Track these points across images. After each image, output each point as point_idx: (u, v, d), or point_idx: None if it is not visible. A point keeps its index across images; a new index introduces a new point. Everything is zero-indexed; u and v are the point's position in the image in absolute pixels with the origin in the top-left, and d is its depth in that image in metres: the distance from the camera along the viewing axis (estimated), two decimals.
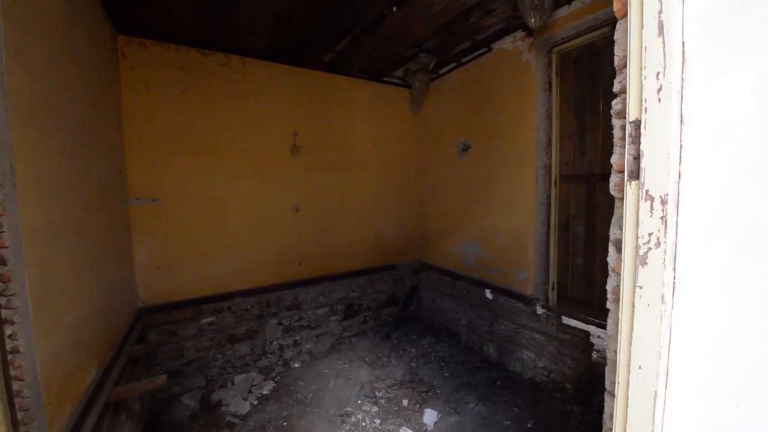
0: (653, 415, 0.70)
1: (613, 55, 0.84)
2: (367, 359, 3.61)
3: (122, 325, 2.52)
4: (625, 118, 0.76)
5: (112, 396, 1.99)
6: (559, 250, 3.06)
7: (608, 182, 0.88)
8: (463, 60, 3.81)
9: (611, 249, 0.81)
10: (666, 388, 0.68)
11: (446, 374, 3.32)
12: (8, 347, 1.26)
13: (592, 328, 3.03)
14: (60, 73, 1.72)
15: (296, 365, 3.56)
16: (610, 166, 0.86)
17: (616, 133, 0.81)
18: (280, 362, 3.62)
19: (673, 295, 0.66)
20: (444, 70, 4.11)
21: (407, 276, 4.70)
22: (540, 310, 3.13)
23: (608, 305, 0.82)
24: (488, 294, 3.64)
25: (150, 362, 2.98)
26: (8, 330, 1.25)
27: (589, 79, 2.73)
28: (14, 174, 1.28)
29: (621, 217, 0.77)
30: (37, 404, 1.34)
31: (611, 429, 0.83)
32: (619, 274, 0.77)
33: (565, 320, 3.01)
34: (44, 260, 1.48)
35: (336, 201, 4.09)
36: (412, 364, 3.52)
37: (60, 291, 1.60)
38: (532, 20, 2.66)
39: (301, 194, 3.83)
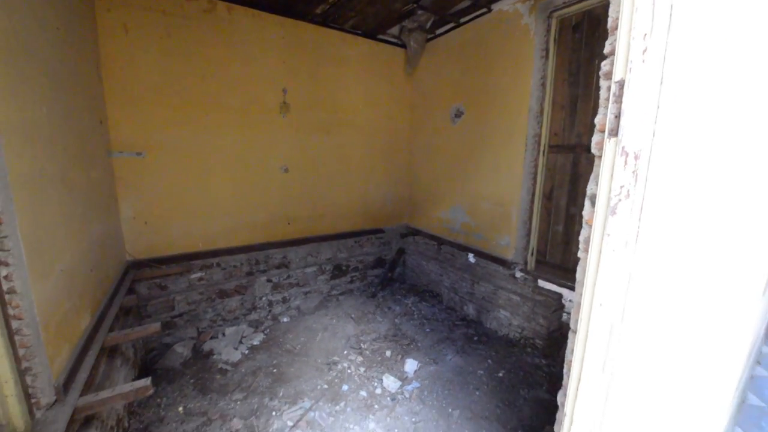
0: (608, 346, 0.80)
1: None
2: (353, 315, 3.79)
3: (112, 276, 2.55)
4: (611, 79, 0.80)
5: (107, 341, 2.07)
6: (542, 218, 3.18)
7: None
8: (462, 20, 3.68)
9: (587, 203, 0.88)
10: (622, 322, 0.78)
11: (427, 330, 3.54)
12: (5, 287, 1.29)
13: (565, 291, 3.24)
14: (35, 9, 1.61)
15: (285, 320, 3.71)
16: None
17: (602, 94, 0.85)
18: (269, 317, 3.76)
19: (636, 242, 0.74)
20: (441, 30, 3.97)
21: (394, 239, 4.82)
22: (518, 274, 3.31)
23: (579, 254, 0.91)
24: (471, 258, 3.80)
25: (141, 314, 3.06)
26: (3, 271, 1.28)
27: (585, 49, 2.71)
28: None
29: (598, 174, 0.83)
30: (37, 342, 1.39)
31: (571, 361, 0.94)
32: (591, 226, 0.84)
33: (541, 283, 3.20)
34: (33, 205, 1.47)
35: (326, 162, 4.07)
36: (396, 320, 3.72)
37: (50, 237, 1.61)
38: None
39: (291, 154, 3.79)
